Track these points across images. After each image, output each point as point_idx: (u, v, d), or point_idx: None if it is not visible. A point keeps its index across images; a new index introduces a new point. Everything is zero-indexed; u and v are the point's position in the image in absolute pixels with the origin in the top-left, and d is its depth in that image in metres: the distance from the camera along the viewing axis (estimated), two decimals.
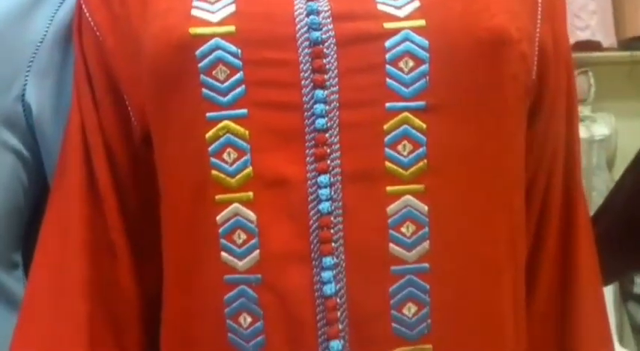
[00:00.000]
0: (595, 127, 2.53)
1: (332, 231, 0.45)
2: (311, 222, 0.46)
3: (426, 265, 0.46)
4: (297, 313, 0.46)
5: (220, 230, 0.47)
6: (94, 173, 0.55)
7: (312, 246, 0.46)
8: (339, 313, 0.46)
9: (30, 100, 0.62)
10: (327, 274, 0.45)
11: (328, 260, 0.45)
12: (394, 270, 0.46)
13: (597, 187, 2.46)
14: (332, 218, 0.45)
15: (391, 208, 0.46)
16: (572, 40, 2.66)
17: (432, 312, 0.46)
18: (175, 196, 0.50)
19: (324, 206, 0.45)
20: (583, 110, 2.58)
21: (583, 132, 2.54)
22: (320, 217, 0.45)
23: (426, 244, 0.46)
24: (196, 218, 0.48)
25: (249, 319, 0.46)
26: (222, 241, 0.47)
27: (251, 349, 0.47)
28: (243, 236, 0.46)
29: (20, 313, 0.56)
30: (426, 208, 0.46)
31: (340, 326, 0.46)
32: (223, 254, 0.47)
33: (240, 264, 0.46)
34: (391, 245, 0.46)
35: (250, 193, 0.46)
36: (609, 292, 2.29)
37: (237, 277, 0.47)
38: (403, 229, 0.46)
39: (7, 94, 0.61)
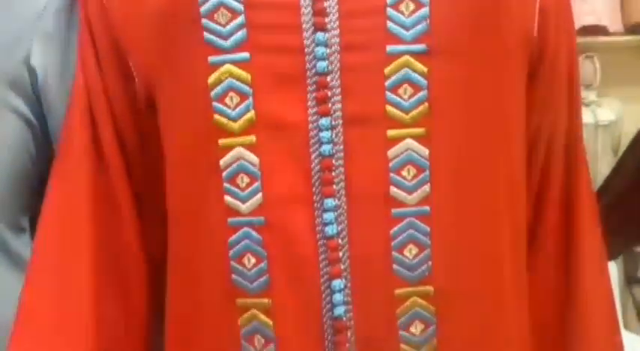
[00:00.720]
0: (600, 112, 2.52)
1: (333, 173, 0.46)
2: (313, 165, 0.46)
3: (427, 208, 0.47)
4: (300, 253, 0.46)
5: (224, 174, 0.48)
6: (98, 134, 0.55)
7: (313, 188, 0.46)
8: (340, 254, 0.46)
9: (35, 64, 0.63)
10: (328, 216, 0.46)
11: (330, 202, 0.46)
12: (395, 212, 0.47)
13: (603, 171, 2.45)
14: (333, 161, 0.46)
15: (392, 151, 0.46)
16: (578, 25, 2.66)
17: (432, 254, 0.47)
18: (179, 143, 0.51)
19: (325, 149, 0.46)
20: (589, 95, 2.57)
21: (588, 117, 2.53)
22: (321, 159, 0.46)
23: (426, 188, 0.47)
24: (200, 163, 0.49)
25: (253, 260, 0.47)
26: (226, 184, 0.48)
27: (255, 289, 0.47)
28: (247, 180, 0.47)
29: (28, 269, 0.57)
30: (427, 151, 0.46)
31: (342, 266, 0.46)
32: (227, 198, 0.48)
33: (244, 207, 0.47)
34: (392, 188, 0.47)
35: (253, 137, 0.47)
36: (614, 276, 2.29)
37: (240, 219, 0.47)
38: (404, 173, 0.46)
39: (12, 58, 0.63)
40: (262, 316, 0.47)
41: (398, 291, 0.47)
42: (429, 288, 0.47)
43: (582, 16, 2.47)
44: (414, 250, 0.47)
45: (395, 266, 0.47)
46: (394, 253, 0.47)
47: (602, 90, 2.54)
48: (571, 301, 0.61)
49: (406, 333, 0.47)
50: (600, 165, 2.50)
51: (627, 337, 2.38)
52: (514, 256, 0.52)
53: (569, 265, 0.60)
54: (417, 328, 0.47)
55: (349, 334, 0.47)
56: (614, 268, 2.31)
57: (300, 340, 0.47)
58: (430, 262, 0.47)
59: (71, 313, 0.55)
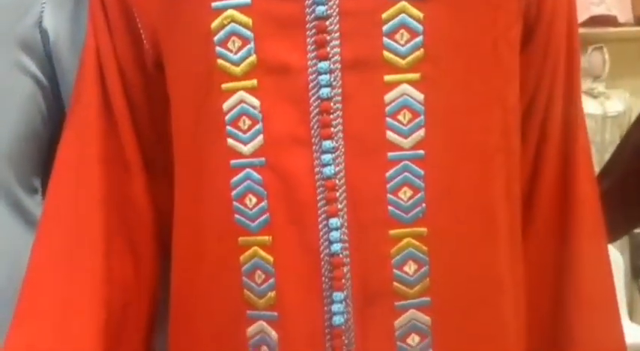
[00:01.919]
0: (609, 103, 2.52)
1: (332, 116, 0.48)
2: (312, 107, 0.48)
3: (422, 151, 0.48)
4: (299, 193, 0.48)
5: (226, 117, 0.49)
6: (108, 94, 0.57)
7: (312, 130, 0.48)
8: (338, 194, 0.48)
9: (47, 26, 0.65)
10: (326, 157, 0.48)
11: (328, 144, 0.48)
12: (391, 156, 0.48)
13: None
14: (332, 104, 0.48)
15: (388, 96, 0.48)
16: (587, 15, 2.65)
17: (426, 197, 0.49)
18: (184, 90, 0.53)
19: (324, 92, 0.48)
20: (597, 87, 2.57)
21: (597, 108, 2.53)
22: (320, 102, 0.48)
23: (421, 132, 0.48)
24: (203, 108, 0.51)
25: (254, 200, 0.49)
26: (229, 127, 0.49)
27: (256, 228, 0.49)
28: (248, 122, 0.49)
29: (39, 223, 0.59)
30: (422, 96, 0.48)
31: (339, 206, 0.48)
32: (229, 140, 0.50)
33: (245, 149, 0.49)
34: (388, 132, 0.48)
35: (254, 81, 0.48)
36: (620, 269, 2.29)
37: (242, 161, 0.49)
38: (400, 117, 0.48)
39: (24, 20, 0.64)
40: (263, 253, 0.49)
41: (392, 232, 0.49)
42: (423, 229, 0.49)
43: (592, 7, 2.47)
44: (409, 193, 0.49)
45: (390, 208, 0.49)
46: (389, 196, 0.48)
47: (610, 81, 2.53)
48: (567, 271, 0.62)
49: (400, 272, 0.49)
50: (608, 156, 2.50)
51: (632, 328, 2.38)
52: (508, 204, 0.53)
53: (565, 236, 0.61)
54: (410, 268, 0.49)
55: (345, 270, 0.48)
56: (620, 260, 2.32)
57: (298, 275, 0.49)
58: (424, 205, 0.49)
59: (82, 264, 0.57)
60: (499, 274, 0.53)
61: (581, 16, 2.47)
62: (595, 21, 2.47)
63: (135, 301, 0.59)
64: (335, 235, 0.48)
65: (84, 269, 0.57)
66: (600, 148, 2.45)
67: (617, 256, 2.26)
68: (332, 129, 0.48)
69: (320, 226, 0.48)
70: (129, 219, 0.59)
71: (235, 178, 0.50)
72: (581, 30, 2.50)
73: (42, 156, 0.71)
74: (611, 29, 2.49)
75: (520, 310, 0.57)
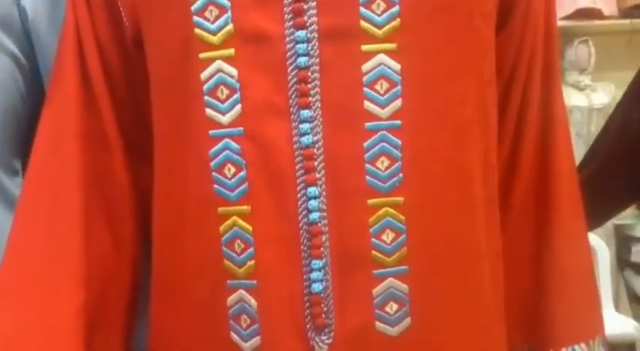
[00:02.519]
0: (595, 95, 2.54)
1: (309, 85, 0.48)
2: (289, 77, 0.48)
3: (399, 122, 0.49)
4: (278, 162, 0.49)
5: (204, 87, 0.50)
6: (87, 71, 0.58)
7: (290, 100, 0.48)
8: (316, 163, 0.49)
9: (25, 4, 0.65)
10: (304, 126, 0.48)
11: (306, 113, 0.48)
12: (368, 126, 0.49)
13: None
14: (309, 73, 0.48)
15: (365, 66, 0.48)
16: (573, 8, 2.66)
17: (403, 166, 0.49)
18: (162, 63, 0.53)
19: (302, 61, 0.48)
20: (583, 79, 2.60)
21: (583, 100, 2.55)
22: (298, 71, 0.48)
23: (398, 102, 0.49)
24: (182, 79, 0.51)
25: (233, 170, 0.49)
26: (207, 97, 0.50)
27: (235, 198, 0.50)
28: (226, 92, 0.49)
29: (19, 200, 0.59)
30: (399, 66, 0.49)
31: (318, 175, 0.49)
32: (208, 110, 0.50)
33: (224, 118, 0.49)
34: (365, 102, 0.49)
35: (232, 50, 0.49)
36: (606, 261, 2.31)
37: (221, 131, 0.50)
38: (377, 87, 0.49)
39: None
40: (242, 222, 0.49)
41: (370, 201, 0.49)
42: (400, 199, 0.49)
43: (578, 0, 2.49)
44: (386, 163, 0.49)
45: (368, 177, 0.49)
46: (367, 165, 0.49)
47: (596, 74, 2.55)
48: (546, 246, 0.63)
49: (378, 241, 0.49)
50: None
51: (618, 318, 2.39)
52: (484, 175, 0.54)
53: (544, 211, 0.62)
54: (388, 237, 0.49)
55: (324, 239, 0.49)
56: (607, 252, 2.34)
57: (277, 244, 0.49)
58: (401, 175, 0.49)
59: (61, 241, 0.57)
60: (476, 244, 0.53)
61: (568, 8, 2.49)
62: (581, 14, 2.49)
63: (115, 278, 0.59)
64: (313, 204, 0.49)
65: (63, 246, 0.57)
66: (587, 139, 2.47)
67: (603, 248, 2.28)
68: (310, 98, 0.48)
69: (298, 195, 0.49)
70: (108, 196, 0.59)
71: (214, 149, 0.50)
72: (567, 23, 2.54)
73: (22, 137, 0.71)
74: (597, 22, 2.51)
75: (498, 282, 0.57)
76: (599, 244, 2.24)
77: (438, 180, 0.50)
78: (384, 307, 0.50)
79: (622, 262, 2.63)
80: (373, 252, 0.49)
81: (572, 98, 2.51)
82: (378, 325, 0.50)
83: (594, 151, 1.11)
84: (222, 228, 0.50)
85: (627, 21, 2.53)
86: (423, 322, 0.50)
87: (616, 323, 2.09)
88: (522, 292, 0.64)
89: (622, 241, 2.62)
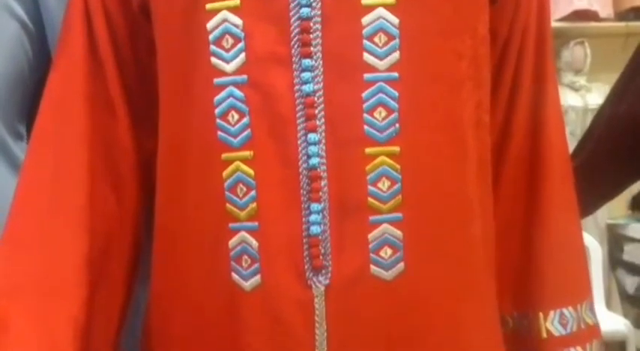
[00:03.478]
0: (590, 96, 2.57)
1: (311, 36, 0.50)
2: (292, 27, 0.50)
3: (396, 74, 0.51)
4: (280, 109, 0.51)
5: (210, 37, 0.52)
6: (94, 36, 0.59)
7: (292, 49, 0.51)
8: (316, 111, 0.51)
9: None
10: (306, 75, 0.50)
11: (307, 62, 0.50)
12: (367, 77, 0.51)
13: None
14: (311, 24, 0.50)
15: (365, 19, 0.51)
16: (569, 9, 2.69)
17: (400, 117, 0.51)
18: (168, 17, 0.55)
19: (304, 11, 0.50)
20: (579, 80, 2.63)
21: (578, 101, 2.59)
22: (300, 22, 0.50)
23: (396, 55, 0.51)
24: (188, 30, 0.53)
25: (236, 117, 0.51)
26: (212, 47, 0.52)
27: (238, 143, 0.52)
28: (231, 41, 0.51)
29: (25, 159, 0.61)
30: (397, 20, 0.51)
31: (318, 122, 0.51)
32: (213, 59, 0.52)
33: (229, 67, 0.51)
34: (364, 54, 0.51)
35: (237, 1, 0.51)
36: (598, 260, 2.33)
37: (225, 79, 0.52)
38: (376, 40, 0.51)
39: None
40: (244, 167, 0.51)
41: (368, 150, 0.51)
42: (396, 148, 0.51)
43: (575, 1, 2.52)
44: (383, 113, 0.51)
45: (366, 127, 0.51)
46: (365, 115, 0.51)
47: (591, 75, 2.59)
48: (536, 211, 0.65)
49: (374, 188, 0.51)
50: None
51: (610, 316, 2.42)
52: (477, 132, 0.56)
53: (534, 189, 0.65)
54: (384, 185, 0.51)
55: (323, 184, 0.51)
56: (599, 251, 2.36)
57: (278, 187, 0.51)
58: (397, 125, 0.51)
59: (66, 194, 0.58)
60: (468, 199, 0.55)
61: (564, 10, 2.53)
62: (577, 15, 2.53)
63: (118, 237, 0.61)
64: (313, 149, 0.51)
65: (68, 201, 0.58)
66: None
67: (595, 247, 2.31)
68: (311, 48, 0.50)
69: (299, 141, 0.51)
70: (113, 158, 0.61)
71: (219, 96, 0.52)
72: (564, 24, 2.57)
73: (27, 103, 0.73)
74: (593, 24, 2.55)
75: (489, 242, 0.59)
76: (592, 242, 2.27)
77: (433, 131, 0.53)
78: (379, 251, 0.52)
79: (614, 261, 2.65)
80: (369, 199, 0.51)
81: (568, 98, 2.55)
82: (373, 268, 0.52)
83: (584, 142, 1.14)
84: (225, 173, 0.52)
85: (623, 23, 2.57)
86: (416, 269, 0.52)
87: (608, 321, 2.12)
88: (512, 260, 0.66)
89: (614, 240, 2.65)
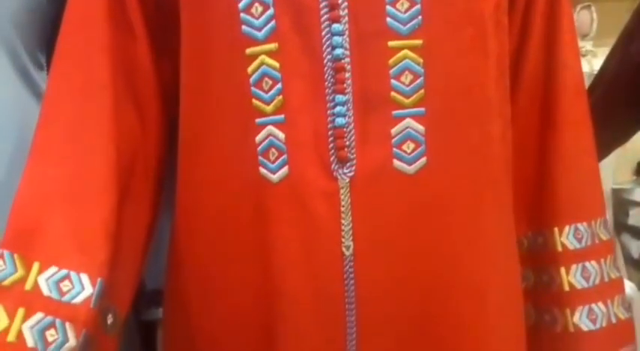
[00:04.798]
0: (596, 61, 2.56)
1: None
2: None
3: None
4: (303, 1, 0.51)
5: None
6: None
7: None
8: (340, 1, 0.51)
9: None
10: None
11: None
12: None
13: None
14: None
15: None
16: None
17: (422, 9, 0.52)
18: None
19: None
20: (585, 45, 2.62)
21: (585, 66, 2.57)
22: None
23: None
24: None
25: (260, 9, 0.52)
26: None
27: (263, 37, 0.52)
28: None
29: (50, 76, 0.61)
30: None
31: (341, 12, 0.51)
32: None
33: None
34: None
35: None
36: None
37: None
38: None
39: None
40: (270, 60, 0.52)
41: (391, 43, 0.52)
42: (419, 41, 0.52)
43: None
44: (406, 5, 0.52)
45: (388, 19, 0.52)
46: (388, 7, 0.52)
47: (598, 40, 2.58)
48: (551, 132, 0.66)
49: (397, 82, 0.52)
50: None
51: None
52: (496, 31, 0.57)
53: (549, 109, 0.66)
54: (407, 79, 0.52)
55: (347, 75, 0.52)
56: None
57: (303, 79, 0.52)
58: (420, 17, 0.52)
59: (94, 109, 0.58)
60: (488, 96, 0.56)
61: None
62: None
63: (142, 155, 0.62)
64: (337, 40, 0.51)
65: (94, 113, 0.59)
66: None
67: None
68: None
69: (323, 32, 0.51)
70: (134, 79, 0.61)
71: None
72: None
73: (47, 31, 0.73)
74: None
75: (507, 145, 0.61)
76: None
77: (455, 25, 0.53)
78: (402, 145, 0.53)
79: (619, 226, 2.66)
80: (392, 93, 0.52)
81: None
82: (396, 163, 0.53)
83: (596, 84, 1.14)
84: (250, 68, 0.53)
85: None
86: (438, 163, 0.54)
87: None
88: (527, 177, 0.67)
89: (619, 205, 2.66)
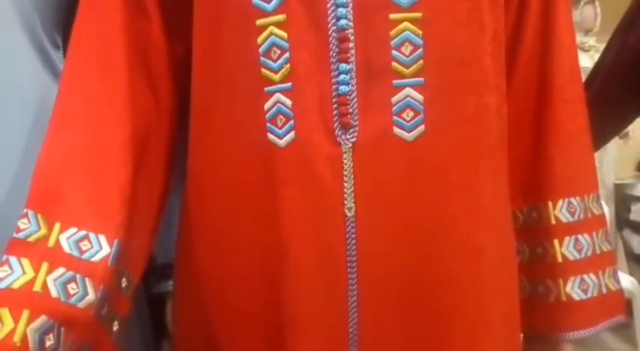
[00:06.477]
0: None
1: None
2: None
3: None
4: None
5: None
6: None
7: None
8: None
9: None
10: None
11: None
12: None
13: None
14: None
15: None
16: None
17: None
18: None
19: None
20: (588, 40, 2.64)
21: (588, 61, 2.60)
22: None
23: None
24: None
25: None
26: None
27: (272, 8, 0.55)
28: None
29: (68, 51, 0.64)
30: None
31: None
32: None
33: None
34: None
35: None
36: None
37: None
38: None
39: None
40: (278, 31, 0.55)
41: (392, 15, 0.55)
42: (418, 14, 0.55)
43: None
44: None
45: None
46: None
47: (601, 35, 2.60)
48: (546, 110, 0.69)
49: (398, 53, 0.55)
50: None
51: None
52: (492, 3, 0.59)
53: (544, 87, 0.69)
54: (407, 49, 0.55)
55: (351, 46, 0.55)
56: (606, 211, 2.39)
57: (309, 48, 0.55)
58: None
59: (110, 83, 0.61)
60: (484, 68, 0.59)
61: None
62: None
63: (155, 131, 0.64)
64: (342, 11, 0.54)
65: (110, 88, 0.61)
66: None
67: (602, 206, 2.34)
68: None
69: (329, 4, 0.54)
70: (148, 57, 0.64)
71: None
72: None
73: (62, 12, 0.76)
74: None
75: (502, 118, 0.63)
76: None
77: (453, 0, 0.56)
78: (402, 113, 0.56)
79: (621, 221, 2.68)
80: (393, 63, 0.55)
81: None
82: (396, 130, 0.56)
83: (595, 74, 1.16)
84: (259, 39, 0.56)
85: None
86: (435, 131, 0.56)
87: None
88: (523, 153, 0.70)
89: (621, 200, 2.68)
